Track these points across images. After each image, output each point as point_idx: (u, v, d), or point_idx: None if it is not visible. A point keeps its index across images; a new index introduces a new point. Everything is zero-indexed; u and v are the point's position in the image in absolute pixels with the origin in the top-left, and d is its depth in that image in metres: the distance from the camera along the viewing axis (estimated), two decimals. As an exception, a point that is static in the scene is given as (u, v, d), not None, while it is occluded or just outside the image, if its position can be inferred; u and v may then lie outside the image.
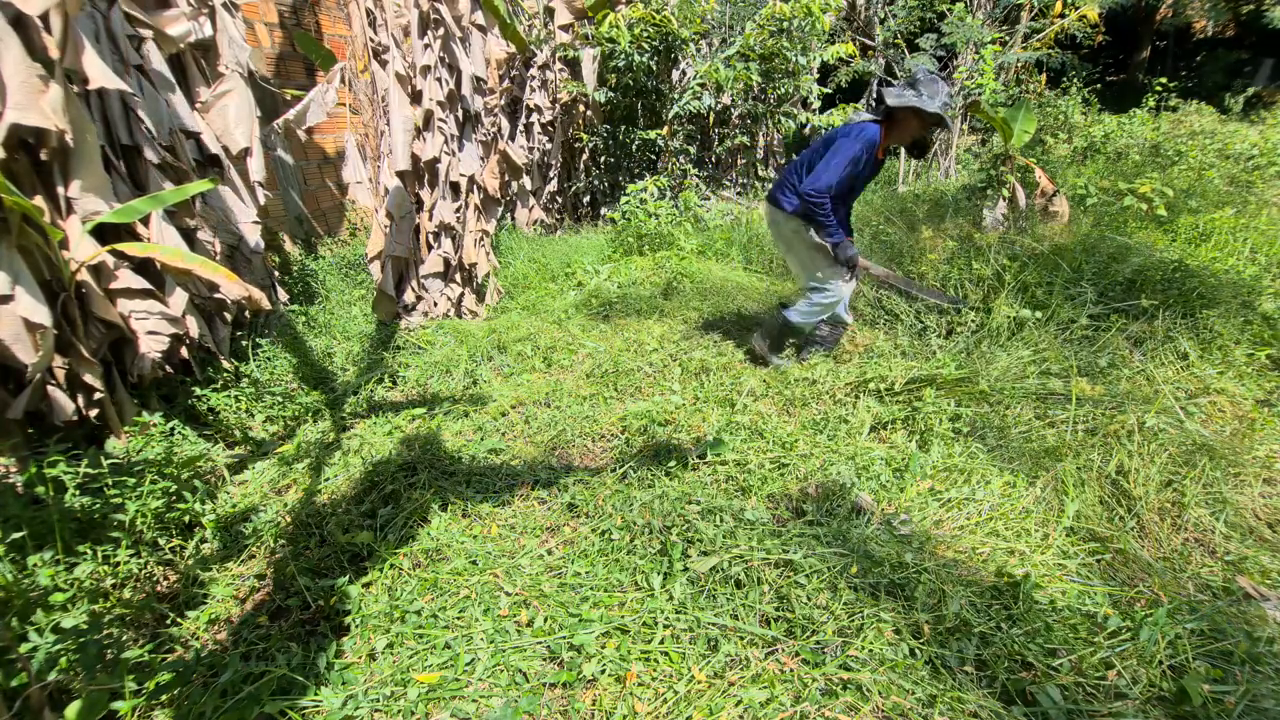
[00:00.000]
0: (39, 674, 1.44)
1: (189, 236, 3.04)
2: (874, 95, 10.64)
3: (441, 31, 3.87)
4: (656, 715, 1.47)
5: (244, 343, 3.54)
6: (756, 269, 5.10)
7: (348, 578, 1.96)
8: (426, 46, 3.85)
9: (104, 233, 2.62)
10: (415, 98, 3.87)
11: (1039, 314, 3.26)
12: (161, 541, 2.15)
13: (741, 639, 1.63)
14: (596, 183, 7.25)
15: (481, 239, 4.38)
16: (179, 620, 1.89)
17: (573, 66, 6.66)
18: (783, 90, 7.25)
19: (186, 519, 2.26)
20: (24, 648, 1.48)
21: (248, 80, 3.36)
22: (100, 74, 2.46)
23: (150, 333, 2.70)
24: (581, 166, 7.26)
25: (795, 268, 3.25)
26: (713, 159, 7.98)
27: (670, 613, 1.71)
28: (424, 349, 3.82)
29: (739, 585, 1.79)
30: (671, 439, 2.64)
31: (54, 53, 2.29)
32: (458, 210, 4.20)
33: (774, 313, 3.07)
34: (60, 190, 2.47)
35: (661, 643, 1.64)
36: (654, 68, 6.65)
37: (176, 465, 2.36)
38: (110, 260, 2.58)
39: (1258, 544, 2.05)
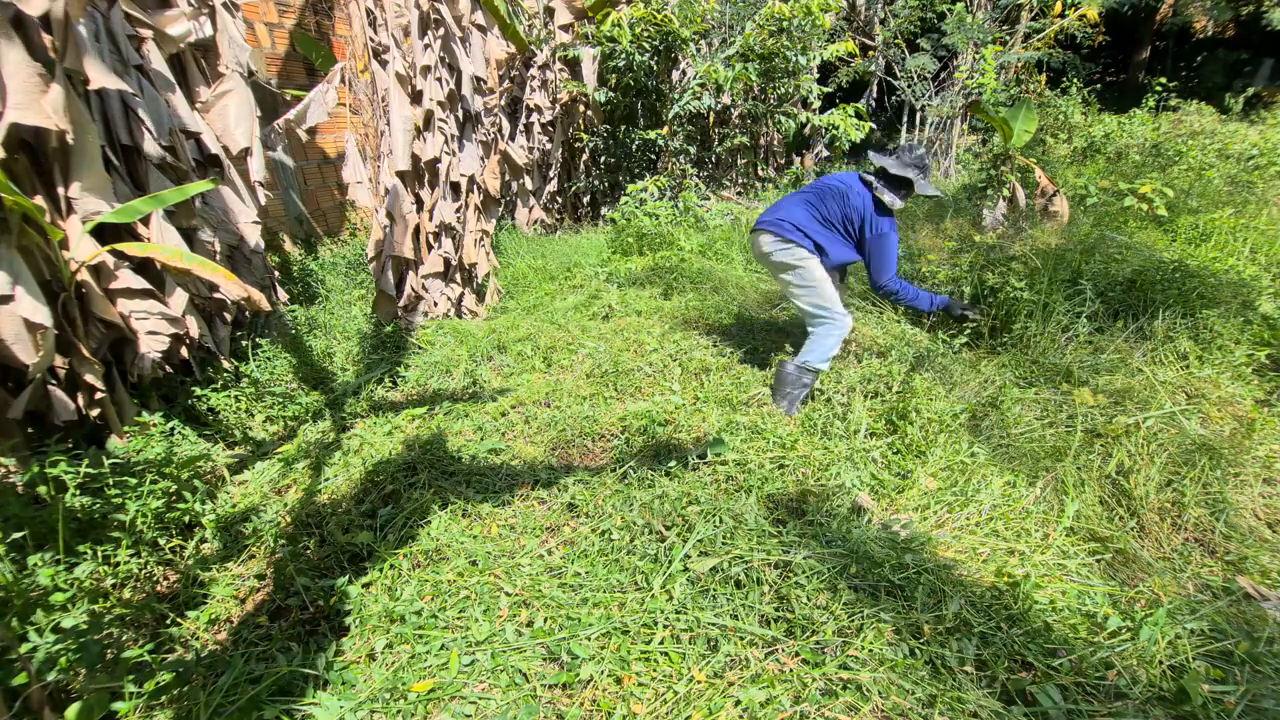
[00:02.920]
0: (39, 674, 1.44)
1: (189, 236, 3.04)
2: (873, 95, 10.64)
3: (442, 31, 3.87)
4: (656, 715, 1.47)
5: (244, 343, 3.54)
6: (756, 269, 5.09)
7: (348, 578, 1.96)
8: (426, 46, 3.85)
9: (104, 233, 2.63)
10: (415, 98, 3.87)
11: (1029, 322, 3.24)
12: (161, 541, 2.15)
13: (741, 639, 1.63)
14: (596, 183, 7.24)
15: (481, 239, 4.38)
16: (179, 620, 1.89)
17: (573, 66, 6.65)
18: (783, 90, 7.26)
19: (186, 519, 2.26)
20: (24, 648, 1.48)
21: (248, 80, 3.36)
22: (100, 74, 2.46)
23: (150, 333, 2.70)
24: (581, 166, 7.26)
25: (800, 298, 3.00)
26: (713, 159, 7.97)
27: (670, 613, 1.71)
28: (424, 349, 3.82)
29: (739, 586, 1.79)
30: (671, 439, 2.64)
31: (54, 53, 2.29)
32: (458, 210, 4.20)
33: (782, 373, 2.99)
34: (60, 190, 2.47)
35: (661, 643, 1.64)
36: (654, 67, 6.65)
37: (177, 465, 2.36)
38: (110, 260, 2.58)
39: (1258, 544, 2.05)
